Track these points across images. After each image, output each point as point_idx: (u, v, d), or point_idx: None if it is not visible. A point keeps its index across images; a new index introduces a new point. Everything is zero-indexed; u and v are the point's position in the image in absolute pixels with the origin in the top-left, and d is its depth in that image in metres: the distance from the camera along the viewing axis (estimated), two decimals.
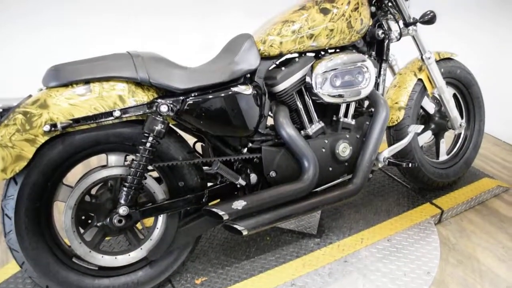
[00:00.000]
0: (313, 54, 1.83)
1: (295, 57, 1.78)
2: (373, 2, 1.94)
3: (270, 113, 1.80)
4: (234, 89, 1.60)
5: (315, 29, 1.69)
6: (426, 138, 2.29)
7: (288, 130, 1.69)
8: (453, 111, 2.21)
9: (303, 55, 1.80)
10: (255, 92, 1.65)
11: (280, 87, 1.71)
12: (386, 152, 1.87)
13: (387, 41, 1.97)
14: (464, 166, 2.39)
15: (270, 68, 1.75)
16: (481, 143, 2.47)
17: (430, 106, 2.24)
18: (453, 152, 2.41)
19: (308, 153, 1.70)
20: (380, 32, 1.91)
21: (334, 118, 1.90)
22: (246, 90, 1.62)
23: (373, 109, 1.90)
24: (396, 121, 2.08)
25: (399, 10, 1.94)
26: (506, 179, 2.65)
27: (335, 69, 1.71)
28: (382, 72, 2.00)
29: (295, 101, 1.77)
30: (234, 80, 1.63)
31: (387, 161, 1.87)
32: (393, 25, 2.02)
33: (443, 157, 2.38)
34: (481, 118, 2.40)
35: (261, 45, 1.68)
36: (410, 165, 1.91)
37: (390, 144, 2.16)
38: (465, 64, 2.32)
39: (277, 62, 1.77)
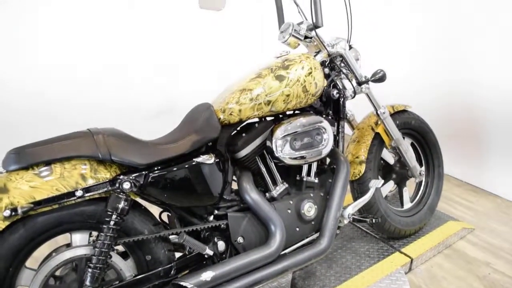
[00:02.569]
0: (272, 118, 1.90)
1: (255, 122, 1.83)
2: (327, 64, 2.05)
3: (234, 177, 1.83)
4: (197, 159, 1.62)
5: (272, 96, 1.76)
6: (389, 187, 2.36)
7: (252, 195, 1.72)
8: (411, 161, 2.30)
9: (263, 119, 1.87)
10: (218, 160, 1.69)
11: (242, 153, 1.76)
12: (350, 208, 1.92)
13: (342, 99, 2.06)
14: (429, 212, 2.46)
15: (231, 135, 1.79)
16: (443, 186, 2.57)
17: (389, 157, 2.33)
18: (416, 199, 2.49)
19: (273, 216, 1.72)
20: (335, 92, 2.01)
21: (298, 178, 1.95)
22: (208, 159, 1.65)
23: (335, 166, 1.96)
24: (358, 175, 2.14)
25: (351, 70, 2.06)
26: (470, 220, 2.73)
27: (294, 132, 1.77)
28: (340, 130, 2.08)
29: (257, 165, 1.81)
30: (196, 149, 1.66)
31: (351, 217, 1.91)
32: (348, 84, 2.13)
33: (407, 205, 2.44)
34: (439, 164, 2.50)
35: (221, 113, 1.73)
36: (374, 220, 1.96)
37: (354, 198, 2.21)
38: (419, 112, 2.44)
39: (238, 128, 1.82)
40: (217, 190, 1.69)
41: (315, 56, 2.03)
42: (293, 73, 1.79)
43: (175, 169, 1.58)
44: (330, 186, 1.95)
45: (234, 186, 1.79)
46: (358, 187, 2.17)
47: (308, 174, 1.95)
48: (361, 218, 1.94)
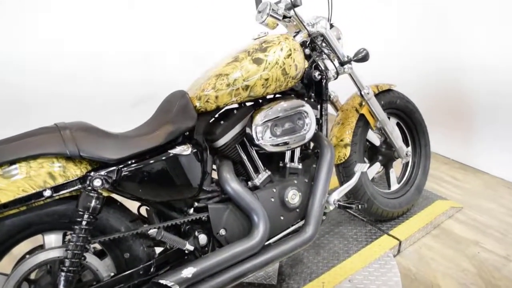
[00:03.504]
0: (252, 103, 1.81)
1: (234, 109, 1.75)
2: (307, 44, 1.96)
3: (214, 167, 1.76)
4: (173, 151, 1.54)
5: (250, 80, 1.67)
6: (376, 169, 2.31)
7: (233, 185, 1.64)
8: (397, 141, 2.24)
9: (242, 105, 1.78)
10: (196, 150, 1.61)
11: (221, 141, 1.68)
12: (336, 194, 1.86)
13: (324, 81, 1.98)
14: (416, 193, 2.42)
15: (209, 123, 1.71)
16: (431, 165, 2.52)
17: (375, 139, 2.27)
18: (403, 180, 2.44)
19: (256, 206, 1.66)
20: (316, 73, 1.93)
21: (281, 164, 1.88)
22: (185, 150, 1.57)
23: (318, 151, 1.90)
24: (343, 158, 2.08)
25: (332, 50, 1.97)
26: (458, 199, 2.71)
27: (274, 118, 1.70)
28: (323, 112, 2.01)
29: (238, 153, 1.74)
30: (172, 140, 1.58)
31: (337, 203, 1.85)
32: (330, 65, 2.05)
33: (394, 186, 2.40)
34: (426, 143, 2.45)
35: (196, 101, 1.65)
36: (360, 206, 1.91)
37: (340, 182, 2.16)
38: (404, 91, 2.38)
39: (216, 116, 1.74)
40: (196, 181, 1.61)
41: (294, 36, 1.94)
42: (271, 56, 1.70)
43: (149, 162, 1.49)
44: (314, 171, 1.88)
45: (215, 175, 1.72)
46: (344, 170, 2.12)
47: (291, 160, 1.88)
48: (347, 205, 1.89)
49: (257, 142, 1.67)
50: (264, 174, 1.80)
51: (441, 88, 3.16)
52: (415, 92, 2.73)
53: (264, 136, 1.68)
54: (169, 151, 1.54)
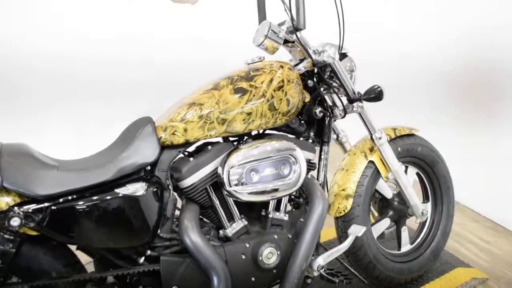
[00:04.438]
0: (235, 138, 1.54)
1: (210, 143, 1.48)
2: (315, 75, 1.67)
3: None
4: (121, 190, 1.29)
5: (228, 113, 1.40)
6: (385, 225, 1.97)
7: (193, 236, 1.37)
8: (412, 198, 1.89)
9: (222, 139, 1.52)
10: (154, 189, 1.35)
11: (187, 182, 1.41)
12: (321, 259, 1.54)
13: (328, 119, 1.68)
14: (431, 258, 2.05)
15: (177, 158, 1.45)
16: (456, 219, 2.14)
17: (387, 190, 1.93)
18: (417, 241, 2.08)
19: (217, 264, 1.37)
20: (318, 110, 1.63)
21: (263, 213, 1.59)
22: (138, 190, 1.31)
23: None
24: (343, 211, 1.76)
25: (341, 84, 1.67)
26: (483, 266, 2.30)
27: (253, 160, 1.41)
28: (323, 156, 1.70)
29: (208, 197, 1.47)
30: (127, 175, 1.33)
31: (321, 270, 1.53)
32: (338, 101, 1.74)
33: (406, 247, 2.04)
34: (449, 200, 2.08)
35: (162, 132, 1.39)
36: (344, 282, 1.58)
37: (338, 237, 1.83)
38: (429, 139, 2.02)
39: (187, 151, 1.48)
40: (149, 227, 1.35)
41: (297, 64, 1.65)
42: (257, 86, 1.42)
43: (89, 202, 1.25)
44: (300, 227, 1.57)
45: None
46: (343, 225, 1.79)
47: (277, 209, 1.58)
48: (330, 278, 1.56)
49: (227, 189, 1.39)
50: (239, 224, 1.51)
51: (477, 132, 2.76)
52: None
53: (238, 182, 1.40)
54: (116, 190, 1.29)
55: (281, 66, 1.50)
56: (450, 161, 2.07)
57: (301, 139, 1.64)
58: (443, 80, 2.94)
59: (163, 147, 1.40)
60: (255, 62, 1.57)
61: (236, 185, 1.39)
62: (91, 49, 3.23)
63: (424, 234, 2.08)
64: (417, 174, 2.05)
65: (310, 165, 1.62)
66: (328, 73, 1.69)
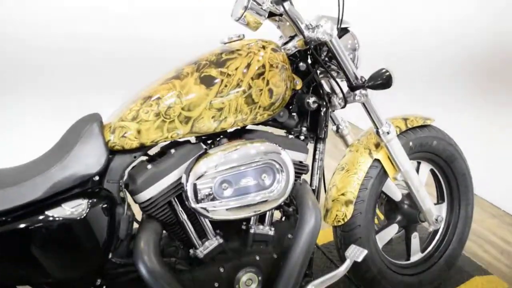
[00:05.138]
0: (205, 138, 1.24)
1: (174, 145, 1.19)
2: (308, 55, 1.35)
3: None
4: (53, 212, 1.01)
5: (193, 110, 1.10)
6: (392, 232, 1.68)
7: (149, 263, 1.09)
8: (425, 202, 1.59)
9: (191, 140, 1.21)
10: (103, 205, 1.07)
11: (143, 195, 1.12)
12: (311, 287, 1.26)
13: (324, 110, 1.37)
14: (445, 268, 1.77)
15: (133, 165, 1.16)
16: (475, 214, 1.85)
17: (395, 192, 1.63)
18: (429, 249, 1.79)
19: None
20: (311, 100, 1.32)
21: (243, 227, 1.30)
22: (77, 210, 1.03)
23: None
24: (342, 219, 1.47)
25: (340, 67, 1.34)
26: (503, 272, 2.02)
27: (225, 169, 1.11)
28: (317, 156, 1.40)
29: (171, 213, 1.18)
30: (64, 191, 1.04)
31: None
32: (337, 87, 1.43)
33: (416, 256, 1.75)
34: (468, 202, 1.78)
35: (109, 134, 1.09)
36: None
37: (337, 248, 1.55)
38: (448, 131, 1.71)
39: (148, 154, 1.19)
40: (96, 253, 1.08)
41: (286, 43, 1.33)
42: (230, 74, 1.11)
43: (12, 229, 0.97)
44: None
45: None
46: (343, 236, 1.51)
47: (261, 221, 1.29)
48: None
49: (193, 205, 1.10)
50: (212, 242, 1.23)
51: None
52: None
53: (206, 197, 1.10)
54: (47, 212, 1.00)
55: (263, 47, 1.18)
56: (467, 149, 1.76)
57: (291, 136, 1.33)
58: (465, 58, 2.57)
59: (113, 152, 1.11)
60: (232, 41, 1.25)
61: (203, 200, 1.10)
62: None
63: (438, 240, 1.79)
64: (431, 171, 1.74)
65: (301, 168, 1.32)
66: (324, 54, 1.37)
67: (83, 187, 1.08)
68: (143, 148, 1.13)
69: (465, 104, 2.62)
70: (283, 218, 1.42)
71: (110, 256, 1.13)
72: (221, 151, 1.12)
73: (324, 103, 1.38)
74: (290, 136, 1.32)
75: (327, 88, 1.45)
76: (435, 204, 1.71)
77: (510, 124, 2.44)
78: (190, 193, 1.09)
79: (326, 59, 1.39)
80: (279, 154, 1.16)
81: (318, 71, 1.38)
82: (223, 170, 1.10)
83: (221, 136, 1.24)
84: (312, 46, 1.30)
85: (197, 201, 1.09)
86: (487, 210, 2.52)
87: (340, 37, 1.37)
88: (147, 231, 1.15)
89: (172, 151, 1.16)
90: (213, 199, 1.10)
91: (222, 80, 1.11)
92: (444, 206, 1.77)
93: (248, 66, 1.14)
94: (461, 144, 1.73)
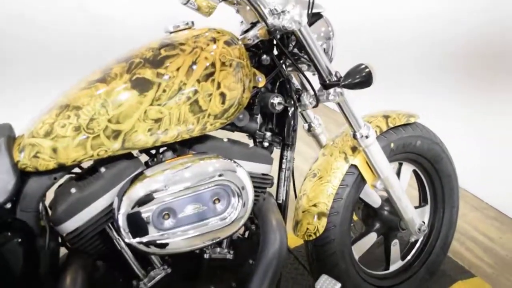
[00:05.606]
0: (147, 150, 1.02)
1: (106, 162, 0.96)
2: (273, 45, 1.13)
3: None
4: None
5: (122, 122, 0.87)
6: (370, 242, 1.51)
7: None
8: (407, 211, 1.42)
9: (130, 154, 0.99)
10: (15, 241, 0.85)
11: (66, 227, 0.91)
12: None
13: (291, 111, 1.16)
14: (427, 277, 1.62)
15: (62, 184, 0.94)
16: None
17: (373, 198, 1.45)
18: (410, 256, 1.63)
19: None
20: (276, 101, 1.10)
21: (197, 250, 1.10)
22: None
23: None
24: (314, 234, 1.29)
25: (311, 60, 1.12)
26: (486, 272, 1.89)
27: (167, 194, 0.90)
28: (284, 165, 1.19)
29: (104, 243, 0.97)
30: None
31: None
32: (307, 84, 1.21)
33: (396, 264, 1.60)
34: (453, 204, 1.62)
35: (18, 153, 0.86)
36: None
37: (309, 265, 1.37)
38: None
39: (74, 172, 0.96)
40: None
41: (247, 31, 1.10)
42: (170, 76, 0.89)
43: None
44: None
45: None
46: (315, 251, 1.33)
47: (218, 242, 1.10)
48: None
49: (126, 240, 0.89)
50: (158, 272, 1.02)
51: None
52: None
53: (142, 229, 0.89)
54: None
55: (213, 40, 0.95)
56: (449, 138, 1.59)
57: (251, 144, 1.12)
58: (459, 46, 2.36)
59: (27, 173, 0.88)
60: (179, 30, 1.01)
61: (139, 233, 0.89)
62: None
63: (419, 246, 1.64)
64: (414, 171, 1.56)
65: (264, 182, 1.12)
66: (293, 44, 1.15)
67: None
68: (64, 168, 0.91)
69: (453, 95, 2.43)
70: (246, 234, 1.23)
71: None
72: (161, 172, 0.90)
73: (292, 102, 1.16)
74: (251, 145, 1.11)
75: (295, 85, 1.23)
76: (416, 207, 1.54)
77: (496, 113, 2.27)
78: (122, 225, 0.88)
79: (295, 50, 1.17)
80: (234, 172, 0.95)
81: (285, 65, 1.16)
82: (163, 195, 0.89)
83: (165, 148, 1.02)
84: (277, 36, 1.08)
85: (132, 235, 0.88)
86: (469, 202, 2.38)
87: (311, 24, 1.14)
88: (73, 266, 0.94)
89: (102, 169, 0.94)
90: (152, 231, 0.89)
91: (159, 84, 0.88)
92: (427, 209, 1.61)
93: (193, 65, 0.91)
94: (445, 134, 1.56)
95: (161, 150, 1.01)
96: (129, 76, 0.88)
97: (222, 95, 0.94)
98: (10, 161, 0.86)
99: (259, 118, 1.15)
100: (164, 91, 0.89)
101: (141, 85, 0.88)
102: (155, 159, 1.01)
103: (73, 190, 0.92)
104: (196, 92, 0.91)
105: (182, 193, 0.90)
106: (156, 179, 0.89)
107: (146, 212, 0.88)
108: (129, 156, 0.96)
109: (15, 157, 0.87)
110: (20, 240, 0.89)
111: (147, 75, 0.88)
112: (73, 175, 0.99)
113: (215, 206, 0.94)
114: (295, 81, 1.26)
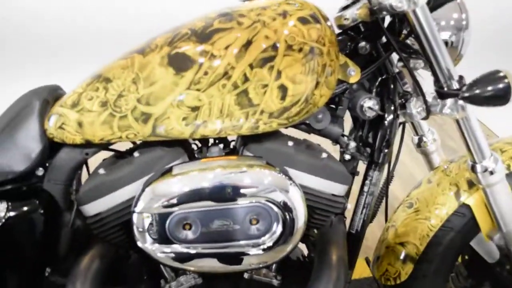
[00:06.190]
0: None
1: (141, 147, 0.84)
2: (377, 31, 0.86)
3: None
4: None
5: (153, 105, 0.72)
6: None
7: None
8: None
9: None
10: (39, 210, 0.80)
11: (88, 209, 0.81)
12: None
13: (389, 121, 0.88)
14: None
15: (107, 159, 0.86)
16: None
17: (489, 251, 1.08)
18: None
19: None
20: (368, 104, 0.84)
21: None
22: None
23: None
24: (393, 279, 1.01)
25: (427, 59, 0.82)
26: None
27: (189, 201, 0.73)
28: (367, 188, 0.93)
29: (128, 237, 0.85)
30: None
31: None
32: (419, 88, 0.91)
33: None
34: None
35: (47, 122, 0.78)
36: None
37: None
38: None
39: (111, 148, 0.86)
40: (19, 270, 0.83)
41: (345, 8, 0.85)
42: (216, 55, 0.70)
43: None
44: None
45: None
46: None
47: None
48: None
49: (138, 244, 0.75)
50: (189, 280, 0.88)
51: None
52: None
53: (158, 234, 0.75)
54: None
55: (284, 13, 0.73)
56: None
57: (324, 154, 0.88)
58: None
59: (56, 144, 0.80)
60: None
61: (154, 239, 0.74)
62: None
63: None
64: None
65: (333, 205, 0.87)
66: (406, 31, 0.86)
67: (4, 186, 0.79)
68: (94, 145, 0.80)
69: None
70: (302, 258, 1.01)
71: (47, 273, 0.87)
72: (189, 172, 0.73)
73: (392, 109, 0.88)
74: (324, 155, 0.86)
75: (406, 86, 0.94)
76: None
77: None
78: (136, 223, 0.74)
79: (409, 41, 0.88)
80: (285, 192, 0.73)
81: (391, 61, 0.88)
82: (185, 201, 0.72)
83: (216, 141, 0.85)
84: (379, 17, 0.80)
85: (145, 239, 0.74)
86: None
87: (436, 6, 0.84)
88: (92, 252, 0.85)
89: (136, 154, 0.81)
90: (168, 240, 0.74)
91: (201, 64, 0.70)
92: None
93: (248, 44, 0.70)
94: None
95: (208, 145, 0.84)
96: (169, 50, 0.71)
97: (282, 88, 0.72)
98: (39, 128, 0.78)
99: (342, 121, 0.90)
100: (205, 73, 0.70)
101: (179, 63, 0.70)
102: (200, 153, 0.85)
103: (101, 171, 0.81)
104: (246, 80, 0.71)
105: (210, 202, 0.72)
106: (180, 179, 0.72)
107: (164, 215, 0.73)
108: (170, 143, 0.81)
109: (45, 124, 0.78)
110: (43, 211, 0.82)
111: (188, 51, 0.70)
112: (116, 153, 0.88)
113: (251, 228, 0.74)
114: (400, 83, 0.96)
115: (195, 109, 0.72)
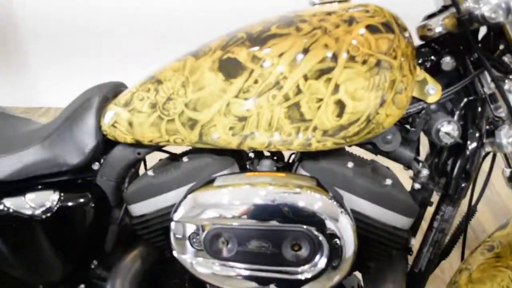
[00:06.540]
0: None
1: (193, 152, 0.81)
2: (468, 44, 0.75)
3: None
4: (10, 202, 0.80)
5: (200, 111, 0.68)
6: None
7: None
8: None
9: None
10: (90, 203, 0.83)
11: (134, 209, 0.81)
12: None
13: (472, 148, 0.76)
14: None
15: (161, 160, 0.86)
16: None
17: None
18: None
19: None
20: (445, 129, 0.73)
21: None
22: (41, 206, 0.80)
23: None
24: None
25: None
26: None
27: (230, 218, 0.69)
28: (437, 224, 0.81)
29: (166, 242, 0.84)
30: (37, 177, 0.82)
31: None
32: None
33: None
34: None
35: (102, 119, 0.78)
36: None
37: None
38: None
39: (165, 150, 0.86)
40: (67, 261, 0.87)
41: (430, 16, 0.75)
42: (267, 62, 0.64)
43: None
44: None
45: None
46: None
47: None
48: None
49: (174, 254, 0.73)
50: None
51: None
52: None
53: (194, 246, 0.71)
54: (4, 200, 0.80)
55: (350, 20, 0.64)
56: None
57: (389, 181, 0.77)
58: None
59: (111, 141, 0.81)
60: (325, 3, 0.74)
61: (186, 248, 0.71)
62: None
63: None
64: None
65: (393, 239, 0.77)
66: (501, 47, 0.73)
67: (59, 177, 0.82)
68: (145, 146, 0.79)
69: None
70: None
71: (93, 265, 0.88)
72: (230, 185, 0.68)
73: (477, 136, 0.76)
74: (389, 182, 0.76)
75: (499, 111, 0.80)
76: None
77: None
78: (173, 231, 0.71)
79: (506, 58, 0.74)
80: (334, 221, 0.66)
81: (484, 78, 0.75)
82: (222, 216, 0.68)
83: (269, 154, 0.79)
84: (469, 29, 0.68)
85: (179, 247, 0.71)
86: None
87: None
88: (136, 252, 0.85)
89: (185, 159, 0.79)
90: (200, 253, 0.70)
91: (251, 71, 0.65)
92: None
93: (303, 52, 0.63)
94: None
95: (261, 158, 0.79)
96: (221, 54, 0.67)
97: (340, 104, 0.64)
98: (96, 124, 0.79)
99: (415, 146, 0.79)
100: (255, 81, 0.65)
101: (229, 68, 0.66)
102: (252, 165, 0.80)
103: (150, 172, 0.80)
104: (299, 92, 0.64)
105: (249, 221, 0.67)
106: (219, 191, 0.68)
107: (200, 227, 0.69)
108: (222, 152, 0.77)
109: (100, 120, 0.79)
110: (94, 205, 0.83)
111: (240, 57, 0.65)
112: (166, 159, 0.87)
113: (291, 254, 0.67)
114: (501, 106, 0.81)
115: (242, 119, 0.67)
